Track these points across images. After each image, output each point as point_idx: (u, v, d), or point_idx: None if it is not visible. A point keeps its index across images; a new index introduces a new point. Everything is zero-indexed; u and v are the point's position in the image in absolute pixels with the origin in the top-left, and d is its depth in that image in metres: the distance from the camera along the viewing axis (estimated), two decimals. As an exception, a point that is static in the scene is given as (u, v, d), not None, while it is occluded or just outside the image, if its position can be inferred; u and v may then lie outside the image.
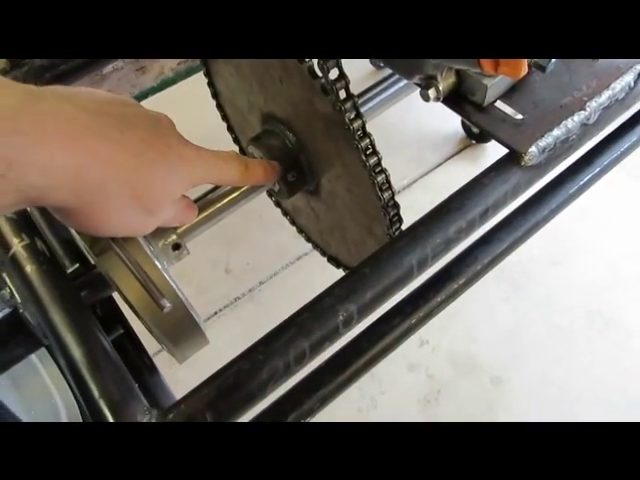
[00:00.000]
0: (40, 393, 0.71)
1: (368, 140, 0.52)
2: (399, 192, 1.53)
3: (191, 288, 1.37)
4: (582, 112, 0.55)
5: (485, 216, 0.51)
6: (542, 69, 0.55)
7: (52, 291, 0.49)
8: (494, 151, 1.50)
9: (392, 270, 0.48)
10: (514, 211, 0.67)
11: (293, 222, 0.85)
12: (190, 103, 1.09)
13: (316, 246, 0.83)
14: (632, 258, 1.36)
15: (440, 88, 0.55)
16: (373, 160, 0.53)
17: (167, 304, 0.45)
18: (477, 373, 1.24)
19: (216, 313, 1.38)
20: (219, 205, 0.65)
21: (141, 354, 0.60)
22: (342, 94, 0.51)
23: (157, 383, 0.57)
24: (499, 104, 0.57)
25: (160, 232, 0.62)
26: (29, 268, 0.50)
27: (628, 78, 0.57)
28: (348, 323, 0.46)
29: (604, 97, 0.56)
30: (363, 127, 0.52)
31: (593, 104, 0.55)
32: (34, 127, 0.33)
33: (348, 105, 0.51)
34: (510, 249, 0.68)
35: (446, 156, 1.59)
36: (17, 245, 0.51)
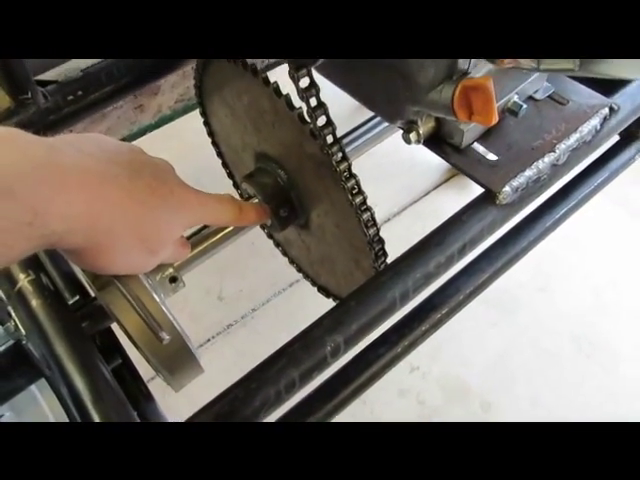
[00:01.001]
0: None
1: (354, 181, 0.56)
2: (390, 219, 1.57)
3: (184, 315, 1.39)
4: (552, 154, 0.59)
5: (463, 251, 0.55)
6: (514, 114, 0.60)
7: (56, 324, 0.52)
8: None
9: (376, 303, 0.52)
10: (494, 243, 0.71)
11: (285, 253, 0.88)
12: (187, 139, 1.13)
13: (307, 276, 0.86)
14: (616, 284, 1.40)
15: (420, 132, 0.59)
16: (359, 199, 0.57)
17: (166, 337, 0.48)
18: (467, 398, 1.27)
19: (209, 340, 1.40)
20: (213, 240, 0.69)
21: (138, 383, 0.63)
22: (329, 139, 0.55)
23: (153, 411, 0.59)
24: (476, 146, 0.61)
25: (158, 267, 0.66)
26: (34, 302, 0.53)
27: (594, 122, 0.61)
28: (335, 353, 0.50)
29: (572, 140, 0.60)
30: (349, 169, 0.56)
31: (562, 146, 0.60)
32: (57, 178, 0.37)
33: (335, 149, 0.55)
34: (491, 279, 0.72)
35: (436, 184, 1.64)
36: (23, 280, 0.54)
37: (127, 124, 0.89)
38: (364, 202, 0.57)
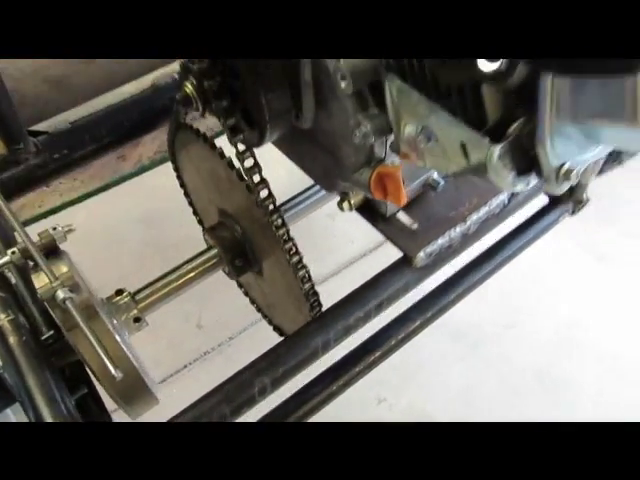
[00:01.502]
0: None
1: (291, 243, 0.66)
2: (337, 274, 1.61)
3: (163, 341, 1.46)
4: (463, 224, 0.69)
5: (380, 308, 0.65)
6: (434, 189, 0.70)
7: (28, 359, 0.61)
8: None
9: (301, 350, 0.61)
10: (425, 296, 0.81)
11: (246, 294, 0.98)
12: (164, 186, 1.23)
13: (264, 316, 0.96)
14: (580, 323, 1.47)
15: (352, 202, 0.69)
16: (295, 259, 0.67)
17: (119, 374, 0.58)
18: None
19: (186, 366, 1.47)
20: (176, 285, 0.79)
21: (102, 412, 0.72)
22: (270, 207, 0.65)
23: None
24: (400, 215, 0.71)
25: (124, 307, 0.75)
26: (12, 339, 0.62)
27: (502, 197, 0.72)
28: (262, 392, 0.59)
29: (482, 212, 0.70)
30: (287, 233, 0.66)
31: (473, 217, 0.70)
32: None
33: (274, 217, 0.65)
34: (421, 327, 0.81)
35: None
36: (3, 320, 0.64)
37: (110, 172, 0.99)
38: (300, 260, 0.67)
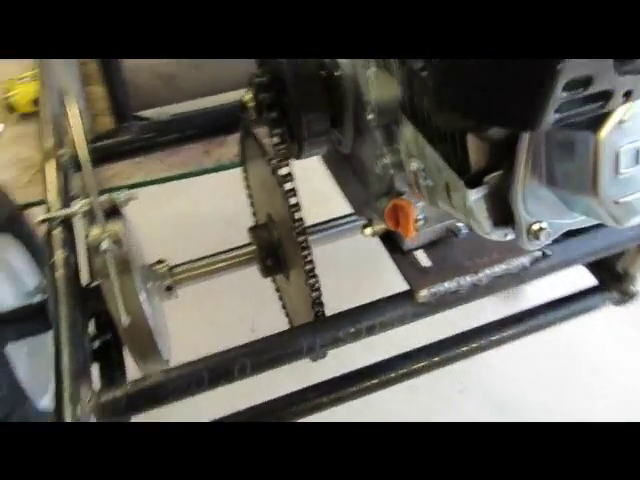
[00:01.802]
0: (46, 363, 0.94)
1: (307, 251, 0.72)
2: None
3: (213, 337, 1.55)
4: (474, 275, 0.71)
5: (371, 330, 0.68)
6: (455, 235, 0.73)
7: (66, 294, 0.72)
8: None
9: (286, 346, 0.67)
10: (443, 339, 0.84)
11: (280, 298, 1.05)
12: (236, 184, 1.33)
13: (290, 321, 1.01)
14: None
15: (374, 229, 0.74)
16: (312, 280, 0.72)
17: (127, 321, 0.66)
18: None
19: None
20: (210, 269, 0.88)
21: (120, 358, 0.81)
22: (296, 216, 0.72)
23: (117, 379, 0.77)
24: (418, 252, 0.75)
25: (160, 275, 0.85)
26: (58, 273, 0.74)
27: (524, 260, 0.73)
28: (241, 372, 0.65)
29: (498, 268, 0.72)
30: (305, 241, 0.72)
31: (487, 271, 0.71)
32: None
33: (301, 239, 0.71)
34: (427, 369, 0.84)
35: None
36: (58, 255, 0.76)
37: (194, 163, 1.12)
38: (315, 283, 0.73)
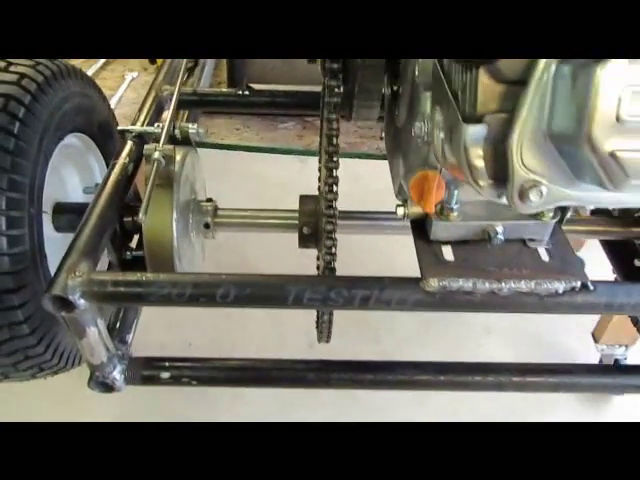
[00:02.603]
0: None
1: (331, 227, 0.71)
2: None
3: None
4: (495, 282, 0.64)
5: (366, 301, 0.65)
6: (489, 238, 0.68)
7: (109, 191, 0.78)
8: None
9: (274, 289, 0.65)
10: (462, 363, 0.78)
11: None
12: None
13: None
14: None
15: (406, 211, 0.71)
16: (329, 242, 0.71)
17: (143, 217, 0.69)
18: None
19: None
20: (251, 222, 0.90)
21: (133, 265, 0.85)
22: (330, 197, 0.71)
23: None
24: (444, 247, 0.70)
25: (203, 211, 0.89)
26: (114, 173, 0.80)
27: (558, 285, 0.64)
28: (224, 297, 0.64)
29: (524, 284, 0.64)
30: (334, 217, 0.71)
31: (511, 283, 0.64)
32: None
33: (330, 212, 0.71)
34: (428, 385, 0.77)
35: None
36: (120, 160, 0.82)
37: (286, 142, 1.17)
38: (331, 232, 0.71)
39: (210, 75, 1.41)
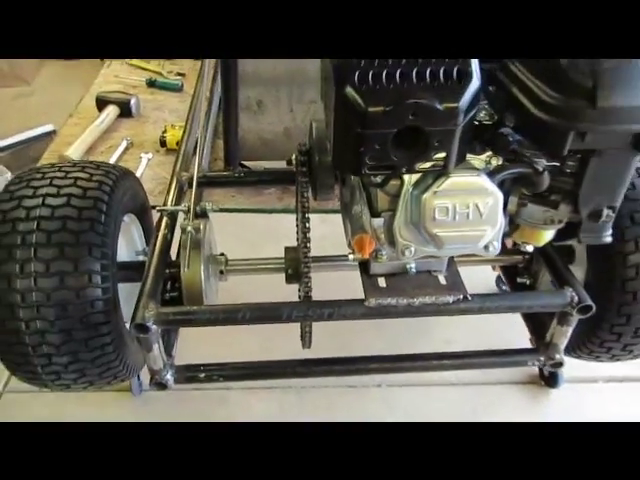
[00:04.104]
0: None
1: (307, 279, 1.11)
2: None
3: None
4: (410, 299, 1.04)
5: (331, 316, 1.04)
6: (406, 271, 1.08)
7: (157, 257, 1.16)
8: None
9: (273, 311, 1.05)
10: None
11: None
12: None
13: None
14: None
15: (354, 257, 1.11)
16: (306, 280, 1.11)
17: (186, 270, 1.08)
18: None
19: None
20: (249, 268, 1.29)
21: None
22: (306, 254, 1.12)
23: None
24: (380, 278, 1.10)
25: (218, 262, 1.28)
26: (158, 244, 1.19)
27: (448, 298, 1.05)
28: (244, 319, 1.03)
29: (428, 299, 1.05)
30: (308, 274, 1.11)
31: (420, 299, 1.04)
32: None
33: (306, 265, 1.11)
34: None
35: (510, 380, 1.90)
36: (161, 233, 1.21)
37: (270, 204, 1.58)
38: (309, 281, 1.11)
39: (209, 154, 1.82)
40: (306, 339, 1.21)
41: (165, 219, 1.27)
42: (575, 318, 1.08)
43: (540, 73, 0.66)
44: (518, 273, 1.32)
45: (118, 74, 2.73)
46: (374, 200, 0.84)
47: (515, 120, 0.71)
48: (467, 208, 0.74)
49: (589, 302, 1.05)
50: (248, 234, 1.68)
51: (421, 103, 0.62)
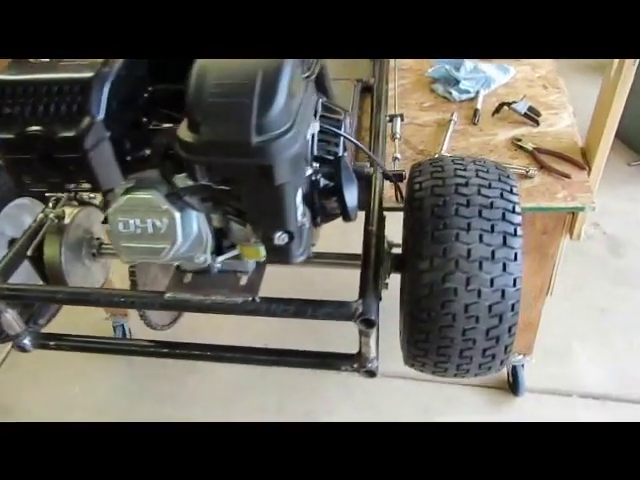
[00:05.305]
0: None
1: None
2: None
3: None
4: (205, 297, 1.12)
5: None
6: (208, 270, 1.16)
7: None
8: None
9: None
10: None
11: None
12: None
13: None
14: None
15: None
16: None
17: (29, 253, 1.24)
18: None
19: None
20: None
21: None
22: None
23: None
24: (186, 274, 1.18)
25: (90, 246, 1.43)
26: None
27: (238, 299, 1.11)
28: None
29: (220, 298, 1.11)
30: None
31: (213, 297, 1.12)
32: None
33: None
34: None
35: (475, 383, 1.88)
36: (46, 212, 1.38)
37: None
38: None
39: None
40: (144, 320, 1.34)
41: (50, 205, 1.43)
42: (366, 330, 1.09)
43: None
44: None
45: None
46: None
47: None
48: (145, 224, 0.80)
49: (370, 316, 1.06)
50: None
51: (41, 132, 0.69)
